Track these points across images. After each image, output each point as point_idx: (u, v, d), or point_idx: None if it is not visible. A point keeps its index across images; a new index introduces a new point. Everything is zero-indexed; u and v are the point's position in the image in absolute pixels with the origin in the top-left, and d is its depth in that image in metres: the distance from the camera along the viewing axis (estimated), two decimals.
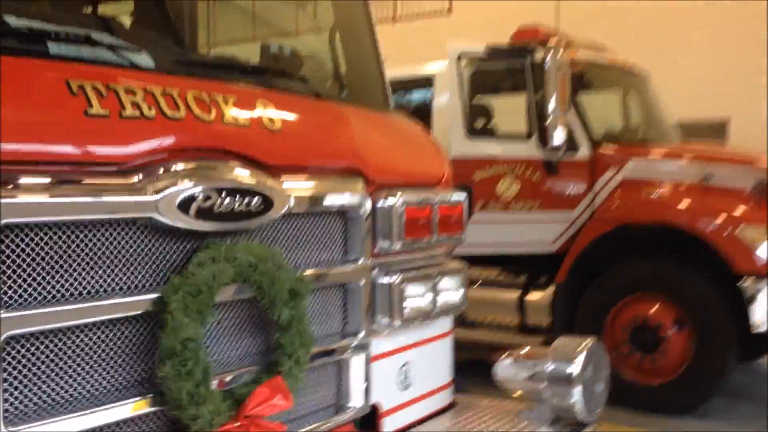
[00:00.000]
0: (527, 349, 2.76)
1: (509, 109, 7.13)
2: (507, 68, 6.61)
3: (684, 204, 5.91)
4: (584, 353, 2.54)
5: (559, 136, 5.65)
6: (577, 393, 2.50)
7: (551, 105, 5.60)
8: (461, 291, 2.69)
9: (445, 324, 2.83)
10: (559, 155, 6.04)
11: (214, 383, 1.75)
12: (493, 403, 2.88)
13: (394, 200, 2.37)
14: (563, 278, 6.25)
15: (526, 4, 11.73)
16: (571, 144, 6.19)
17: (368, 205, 2.30)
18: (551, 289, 6.36)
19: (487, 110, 6.86)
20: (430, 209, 2.51)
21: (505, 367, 2.74)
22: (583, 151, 6.29)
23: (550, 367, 2.56)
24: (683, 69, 10.35)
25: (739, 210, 5.70)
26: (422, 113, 7.06)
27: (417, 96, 7.55)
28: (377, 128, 2.62)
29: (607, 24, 10.64)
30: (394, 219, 2.37)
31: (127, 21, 2.61)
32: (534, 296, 6.43)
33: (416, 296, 2.46)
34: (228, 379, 1.84)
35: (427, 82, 7.16)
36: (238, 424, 1.79)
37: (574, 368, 2.51)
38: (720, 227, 5.62)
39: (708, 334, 5.63)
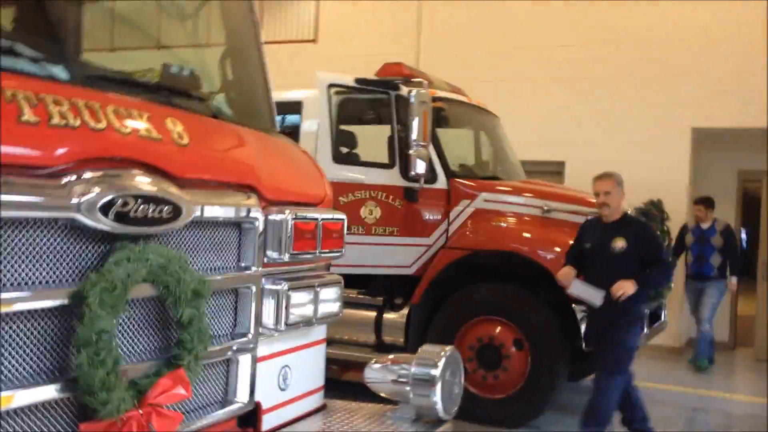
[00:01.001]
0: (394, 355, 3.07)
1: (371, 139, 7.53)
2: (372, 100, 7.01)
3: (526, 234, 6.54)
4: (444, 358, 2.88)
5: (419, 167, 6.09)
6: (437, 393, 2.83)
7: (413, 137, 6.03)
8: (339, 301, 2.96)
9: (321, 332, 3.08)
10: (419, 185, 6.49)
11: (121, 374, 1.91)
12: (360, 406, 3.16)
13: (284, 216, 2.61)
14: (417, 300, 6.68)
15: (387, 42, 12.34)
16: (430, 175, 6.66)
17: (261, 218, 2.52)
18: (406, 310, 6.75)
19: (352, 138, 7.21)
20: (315, 225, 2.77)
21: (374, 371, 3.04)
22: (440, 182, 6.78)
23: (414, 369, 2.88)
24: (525, 114, 11.31)
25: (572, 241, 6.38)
26: (289, 137, 7.30)
27: (285, 119, 7.78)
28: (268, 149, 2.85)
29: (462, 67, 11.43)
30: (284, 232, 2.61)
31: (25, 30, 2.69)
32: (390, 316, 6.78)
33: (300, 304, 2.70)
34: (132, 370, 1.99)
35: (295, 107, 7.40)
36: (141, 410, 1.95)
37: (436, 371, 2.84)
38: (555, 255, 6.27)
39: (542, 354, 6.23)
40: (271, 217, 2.58)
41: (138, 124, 2.06)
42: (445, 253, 6.68)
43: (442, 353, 2.90)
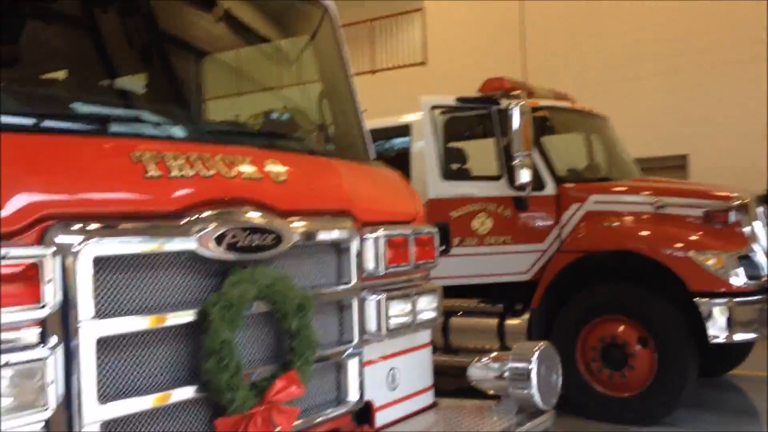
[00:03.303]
0: (494, 353, 3.31)
1: (481, 153, 7.77)
2: (476, 116, 7.27)
3: (642, 232, 6.53)
4: (538, 352, 3.09)
5: (524, 176, 6.28)
6: (533, 385, 3.05)
7: (516, 148, 6.24)
8: (436, 308, 3.24)
9: (425, 336, 3.38)
10: (526, 193, 6.66)
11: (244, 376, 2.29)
12: (469, 403, 3.41)
13: (377, 234, 2.94)
14: (537, 304, 6.82)
15: (494, 56, 12.53)
16: (538, 182, 6.84)
17: (356, 238, 2.87)
18: (527, 315, 6.90)
19: (461, 154, 7.49)
20: (406, 240, 3.08)
21: (477, 369, 3.29)
22: (549, 189, 6.92)
23: (510, 365, 3.12)
24: (645, 110, 11.11)
25: (691, 236, 6.32)
26: (402, 158, 7.71)
27: (397, 142, 8.20)
28: (361, 176, 3.20)
29: (571, 73, 11.44)
30: (378, 249, 2.94)
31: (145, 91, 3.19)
32: (512, 322, 6.95)
33: (399, 311, 3.01)
34: (253, 374, 2.37)
35: (404, 130, 7.79)
36: (263, 407, 2.32)
37: (530, 365, 3.06)
38: (675, 251, 6.23)
39: (669, 350, 6.18)
40: (366, 237, 2.92)
41: (241, 168, 2.46)
42: (560, 256, 6.79)
43: (536, 348, 3.11)
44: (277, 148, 2.81)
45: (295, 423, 2.53)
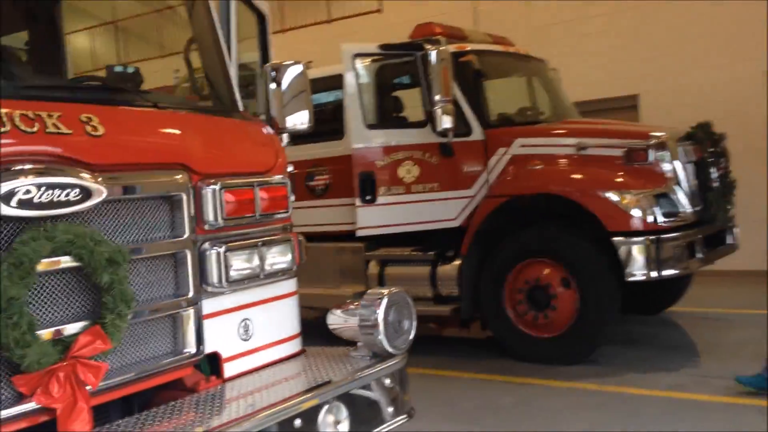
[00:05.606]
0: (350, 300, 3.33)
1: (414, 102, 7.70)
2: (405, 63, 7.18)
3: (561, 174, 6.54)
4: (384, 300, 3.11)
5: (445, 122, 6.24)
6: (380, 331, 3.08)
7: (436, 93, 6.19)
8: (288, 258, 3.24)
9: (288, 286, 3.37)
10: (449, 139, 6.63)
11: (43, 333, 2.30)
12: (332, 349, 3.45)
13: (214, 186, 2.92)
14: (466, 250, 6.85)
15: (447, 4, 12.27)
16: (465, 128, 6.81)
17: (188, 191, 2.84)
18: (458, 262, 6.94)
19: (388, 103, 7.43)
20: (250, 191, 3.06)
21: (334, 317, 3.32)
22: (476, 134, 6.88)
23: (359, 312, 3.14)
24: (592, 51, 10.97)
25: (610, 176, 6.32)
26: (339, 108, 7.66)
27: (335, 93, 8.12)
28: (208, 129, 3.16)
29: (520, 21, 11.25)
30: (216, 200, 2.92)
31: None
32: (443, 268, 7.00)
33: (242, 263, 3.02)
34: (60, 329, 2.38)
35: (338, 80, 7.70)
36: (66, 363, 2.34)
37: (377, 311, 3.08)
38: (593, 192, 6.24)
39: (589, 290, 6.25)
40: (202, 189, 2.90)
41: (46, 123, 2.42)
42: (487, 201, 6.81)
43: (383, 295, 3.13)
44: (107, 103, 2.77)
45: (126, 376, 2.57)
